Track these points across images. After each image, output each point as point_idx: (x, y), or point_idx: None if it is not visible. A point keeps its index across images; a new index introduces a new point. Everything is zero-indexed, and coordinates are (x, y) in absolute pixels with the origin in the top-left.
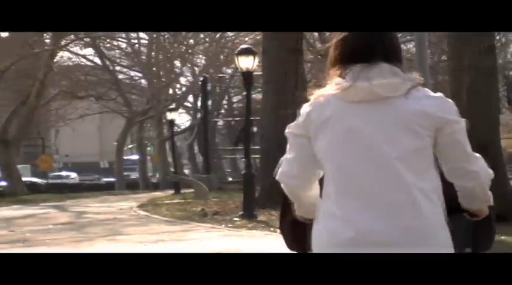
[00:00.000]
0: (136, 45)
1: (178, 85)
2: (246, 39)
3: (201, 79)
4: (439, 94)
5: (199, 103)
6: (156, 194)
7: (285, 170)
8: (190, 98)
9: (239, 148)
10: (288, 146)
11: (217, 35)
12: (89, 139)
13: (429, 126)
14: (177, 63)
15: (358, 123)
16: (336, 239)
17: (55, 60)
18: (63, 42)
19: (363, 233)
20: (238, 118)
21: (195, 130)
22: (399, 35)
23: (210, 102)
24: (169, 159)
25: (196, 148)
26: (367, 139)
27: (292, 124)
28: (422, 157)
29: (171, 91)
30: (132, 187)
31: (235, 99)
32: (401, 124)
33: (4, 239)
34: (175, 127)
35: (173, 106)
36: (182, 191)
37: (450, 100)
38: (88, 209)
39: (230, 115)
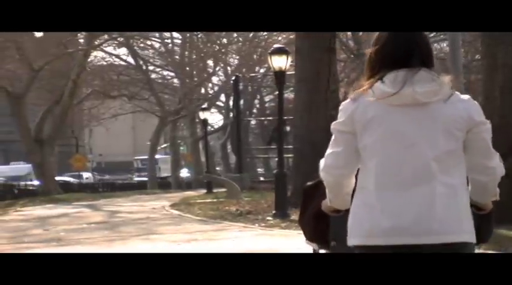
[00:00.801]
0: (170, 45)
1: (210, 85)
2: (279, 38)
3: (233, 78)
4: (467, 97)
5: (231, 103)
6: (189, 194)
7: (330, 162)
8: (223, 97)
9: (272, 147)
10: (332, 141)
11: (251, 35)
12: (123, 138)
13: (463, 127)
14: (210, 62)
15: (400, 124)
16: (375, 228)
17: (89, 60)
18: (97, 42)
19: (400, 224)
20: (270, 118)
21: (228, 129)
22: (432, 34)
23: (242, 102)
24: (203, 158)
25: (229, 147)
26: (409, 139)
27: (336, 121)
28: (455, 156)
29: (203, 90)
30: (164, 186)
31: (267, 99)
32: (439, 127)
33: (39, 238)
34: (209, 127)
35: (205, 105)
36: (214, 190)
37: (476, 102)
38: (121, 208)
39: (262, 115)
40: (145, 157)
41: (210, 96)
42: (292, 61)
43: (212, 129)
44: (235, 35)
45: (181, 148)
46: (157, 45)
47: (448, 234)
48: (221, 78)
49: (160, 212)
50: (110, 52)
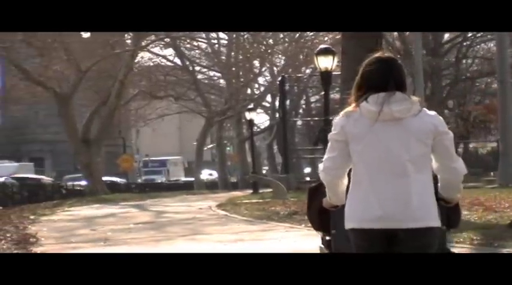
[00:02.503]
0: (216, 45)
1: (256, 85)
2: (325, 38)
3: (279, 79)
4: (433, 112)
5: (277, 103)
6: (235, 194)
7: (328, 164)
8: (269, 98)
9: (318, 147)
10: (329, 148)
11: (297, 35)
12: (169, 138)
13: (430, 136)
14: (256, 63)
15: (382, 135)
16: (369, 216)
17: (136, 61)
18: (144, 43)
19: (387, 212)
20: (316, 118)
21: (274, 130)
22: (479, 34)
23: (288, 102)
24: (249, 159)
25: (275, 148)
26: (388, 146)
27: (332, 132)
28: (425, 158)
29: (249, 91)
30: (211, 186)
31: (313, 99)
32: (412, 136)
33: (86, 238)
34: (255, 127)
35: (251, 106)
36: (260, 190)
37: (440, 117)
38: (167, 208)
39: (308, 115)
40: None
41: (256, 96)
42: (338, 62)
43: (258, 130)
44: (281, 35)
45: (228, 148)
46: (203, 45)
47: (424, 220)
48: (267, 78)
49: (206, 212)
50: (157, 53)
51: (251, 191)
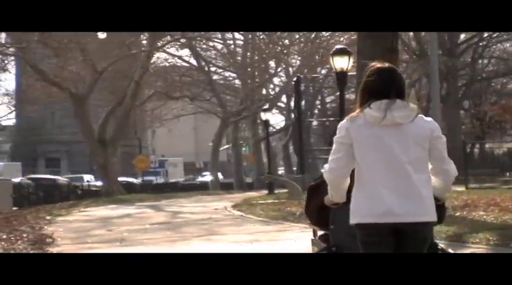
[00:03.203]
0: (232, 46)
1: (271, 86)
2: (341, 39)
3: (295, 79)
4: (430, 119)
5: (292, 104)
6: (250, 194)
7: (333, 166)
8: (284, 98)
9: None
10: (334, 149)
11: (313, 35)
12: (185, 139)
13: (427, 140)
14: (272, 63)
15: (384, 139)
16: (373, 211)
17: (151, 61)
18: (159, 43)
19: (390, 208)
20: (332, 119)
21: (290, 130)
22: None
23: (303, 102)
24: (265, 159)
25: (291, 148)
26: (390, 149)
27: (338, 135)
28: (423, 160)
29: (264, 91)
30: (226, 187)
31: (328, 99)
32: (410, 140)
33: (102, 239)
34: (270, 128)
35: (267, 106)
36: (276, 191)
37: (436, 122)
38: (183, 209)
39: (323, 116)
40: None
41: (271, 97)
42: (353, 62)
43: (274, 130)
44: (297, 35)
45: (244, 149)
46: (219, 46)
47: (424, 215)
48: (283, 79)
49: (222, 212)
50: (173, 53)
51: (266, 191)
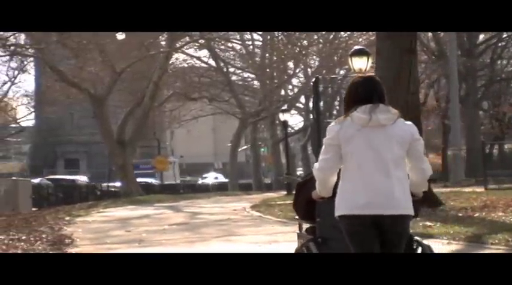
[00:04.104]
0: (250, 47)
1: (290, 86)
2: (360, 39)
3: (313, 80)
4: (410, 122)
5: (311, 104)
6: (269, 195)
7: (323, 165)
8: (303, 99)
9: None
10: (323, 150)
11: (331, 36)
12: (203, 140)
13: (407, 141)
14: (290, 64)
15: (369, 139)
16: (356, 203)
17: (170, 62)
18: (178, 44)
19: (373, 201)
20: None
21: (309, 131)
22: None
23: (322, 103)
24: (283, 160)
25: (309, 149)
26: (375, 148)
27: (327, 137)
28: (402, 159)
29: (283, 92)
30: (245, 188)
31: None
32: (393, 141)
33: (121, 240)
34: (289, 128)
35: (285, 107)
36: (294, 192)
37: (414, 125)
38: (202, 209)
39: None
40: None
41: (290, 97)
42: (372, 63)
43: (292, 131)
44: (315, 36)
45: (262, 149)
46: (238, 47)
47: (402, 208)
48: (301, 79)
49: (241, 213)
50: (191, 54)
51: (285, 192)
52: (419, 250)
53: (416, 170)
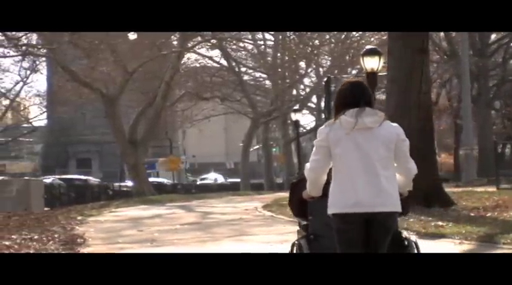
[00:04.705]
0: (262, 47)
1: (302, 86)
2: (372, 39)
3: (325, 79)
4: (395, 124)
5: (322, 104)
6: (281, 195)
7: (313, 165)
8: (314, 99)
9: None
10: (314, 151)
11: (343, 36)
12: (215, 140)
13: (393, 142)
14: (302, 64)
15: (357, 141)
16: (346, 202)
17: (182, 62)
18: (190, 44)
19: (360, 199)
20: None
21: None
22: None
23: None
24: (295, 160)
25: None
26: (363, 149)
27: (317, 139)
28: (390, 159)
29: (295, 92)
30: (256, 187)
31: None
32: (379, 142)
33: (133, 239)
34: (301, 128)
35: (297, 107)
36: None
37: (400, 127)
38: (214, 209)
39: None
40: None
41: (301, 97)
42: (384, 63)
43: (304, 130)
44: (327, 36)
45: (274, 149)
46: (249, 46)
47: (390, 205)
48: (313, 79)
49: (252, 213)
50: (203, 54)
51: None
52: (408, 246)
53: (402, 170)
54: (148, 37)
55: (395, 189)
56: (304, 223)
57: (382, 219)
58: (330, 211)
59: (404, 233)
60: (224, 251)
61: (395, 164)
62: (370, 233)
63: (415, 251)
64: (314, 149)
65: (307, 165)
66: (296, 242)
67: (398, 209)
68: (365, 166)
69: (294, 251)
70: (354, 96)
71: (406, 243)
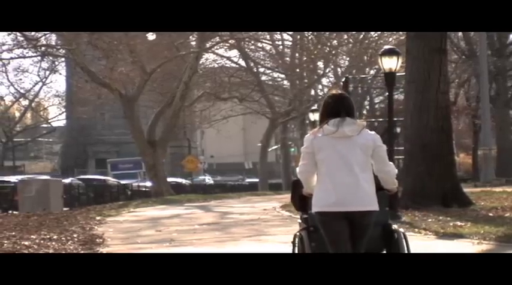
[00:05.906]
0: (280, 47)
1: (320, 86)
2: (390, 39)
3: (343, 79)
4: (373, 132)
5: None
6: None
7: (302, 169)
8: None
9: None
10: (302, 157)
11: (361, 36)
12: (233, 140)
13: (370, 148)
14: (320, 64)
15: (338, 148)
16: (326, 201)
17: (200, 62)
18: (208, 45)
19: (339, 198)
20: (381, 119)
21: None
22: None
23: None
24: None
25: None
26: (343, 155)
27: (304, 146)
28: (367, 163)
29: (313, 92)
30: (275, 187)
31: (377, 100)
32: (357, 148)
33: (151, 239)
34: None
35: (315, 107)
36: None
37: (377, 134)
38: (232, 209)
39: (372, 116)
40: None
41: (320, 97)
42: (402, 63)
43: None
44: (345, 36)
45: (292, 149)
46: (268, 47)
47: (369, 205)
48: (331, 79)
49: (271, 213)
50: (221, 54)
51: None
52: (397, 238)
53: (382, 173)
54: (167, 37)
55: (372, 190)
56: (305, 216)
57: (361, 217)
58: (314, 209)
59: (394, 226)
60: (243, 251)
61: (375, 168)
62: (352, 229)
63: (404, 243)
64: (302, 155)
65: (297, 169)
66: (298, 233)
67: (376, 207)
68: (345, 170)
69: (296, 241)
70: (336, 107)
71: (395, 235)
